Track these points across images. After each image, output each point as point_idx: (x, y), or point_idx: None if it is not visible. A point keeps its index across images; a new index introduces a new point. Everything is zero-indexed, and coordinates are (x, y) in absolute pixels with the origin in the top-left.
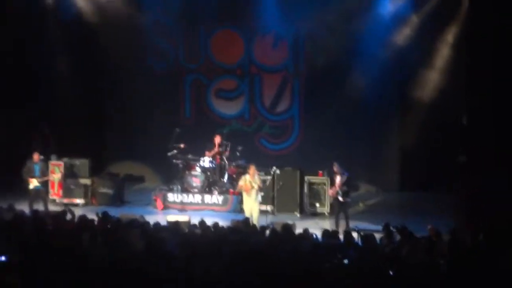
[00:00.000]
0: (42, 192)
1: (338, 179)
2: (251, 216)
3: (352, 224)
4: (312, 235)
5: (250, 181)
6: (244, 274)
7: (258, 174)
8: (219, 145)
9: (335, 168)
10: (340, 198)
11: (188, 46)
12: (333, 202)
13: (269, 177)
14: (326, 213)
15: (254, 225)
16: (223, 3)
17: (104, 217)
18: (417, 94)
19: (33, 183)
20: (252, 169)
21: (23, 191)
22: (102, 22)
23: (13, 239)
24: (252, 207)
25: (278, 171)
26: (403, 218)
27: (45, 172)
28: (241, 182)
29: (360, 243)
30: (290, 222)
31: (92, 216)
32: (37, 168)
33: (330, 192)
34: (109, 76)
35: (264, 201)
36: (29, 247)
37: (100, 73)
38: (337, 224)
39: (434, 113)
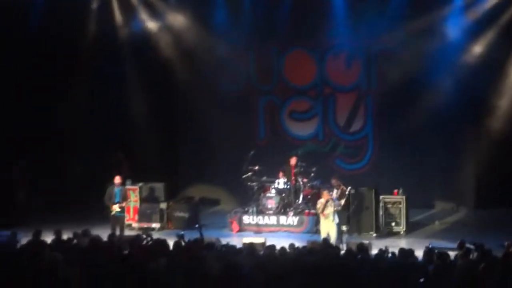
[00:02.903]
0: (122, 219)
1: (334, 192)
2: (328, 236)
3: (426, 242)
4: (388, 254)
5: (325, 204)
6: None
7: (332, 198)
8: (295, 167)
9: (334, 181)
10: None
11: (260, 67)
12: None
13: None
14: (402, 232)
15: (330, 246)
16: (294, 23)
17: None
18: (492, 110)
19: (115, 210)
20: (325, 194)
21: (99, 217)
22: (174, 48)
23: (90, 265)
24: (329, 229)
25: (353, 191)
26: (479, 235)
27: (125, 196)
28: (318, 205)
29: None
30: (365, 241)
31: (170, 240)
32: (118, 193)
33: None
34: (182, 100)
35: (340, 221)
36: (106, 273)
37: (173, 97)
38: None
39: (510, 129)
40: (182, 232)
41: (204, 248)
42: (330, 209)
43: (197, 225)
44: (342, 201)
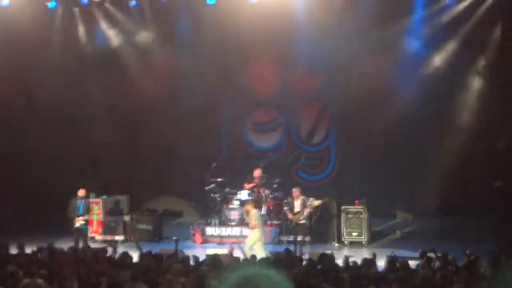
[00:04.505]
0: (85, 231)
1: (297, 203)
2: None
3: (388, 251)
4: (351, 263)
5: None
6: None
7: (256, 214)
8: (258, 178)
9: (295, 193)
10: (302, 221)
11: (224, 79)
12: (294, 226)
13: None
14: (363, 242)
15: (294, 257)
16: (256, 35)
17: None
18: (454, 121)
19: (78, 223)
20: (248, 206)
21: (64, 230)
22: (138, 61)
23: (53, 278)
24: (251, 239)
25: (315, 202)
26: (441, 244)
27: (88, 209)
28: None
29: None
30: (328, 252)
31: (132, 252)
32: (81, 206)
33: (290, 216)
34: (145, 112)
35: (302, 231)
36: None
37: (136, 109)
38: (297, 248)
39: (471, 139)
40: (138, 244)
41: (175, 261)
42: (253, 221)
43: (174, 238)
44: (306, 210)
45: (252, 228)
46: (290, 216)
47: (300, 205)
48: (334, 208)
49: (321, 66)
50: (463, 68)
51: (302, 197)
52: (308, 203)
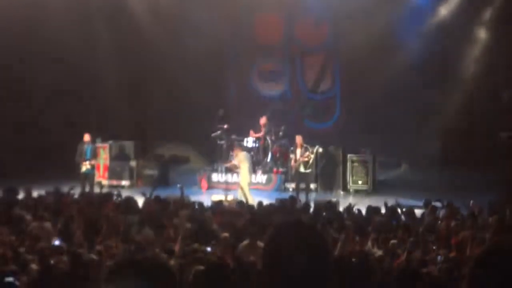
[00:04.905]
0: (91, 176)
1: (299, 151)
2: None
3: (393, 200)
4: (355, 211)
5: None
6: (291, 250)
7: (243, 155)
8: (264, 126)
9: (298, 140)
10: (302, 170)
11: (231, 27)
12: (294, 173)
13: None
14: (368, 190)
15: (300, 204)
16: None
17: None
18: (459, 72)
19: (85, 167)
20: (235, 149)
21: (70, 174)
22: (144, 5)
23: (60, 221)
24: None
25: (320, 150)
26: (444, 195)
27: (95, 154)
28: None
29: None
30: (333, 199)
31: (138, 197)
32: (88, 150)
33: (292, 163)
34: (153, 58)
35: (306, 179)
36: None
37: (144, 55)
38: (297, 196)
39: (476, 90)
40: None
41: (181, 207)
42: (237, 161)
43: (179, 185)
44: (306, 156)
45: (238, 168)
46: (292, 163)
47: (301, 153)
48: (340, 156)
49: (328, 16)
50: (469, 19)
51: (304, 145)
52: (307, 152)
